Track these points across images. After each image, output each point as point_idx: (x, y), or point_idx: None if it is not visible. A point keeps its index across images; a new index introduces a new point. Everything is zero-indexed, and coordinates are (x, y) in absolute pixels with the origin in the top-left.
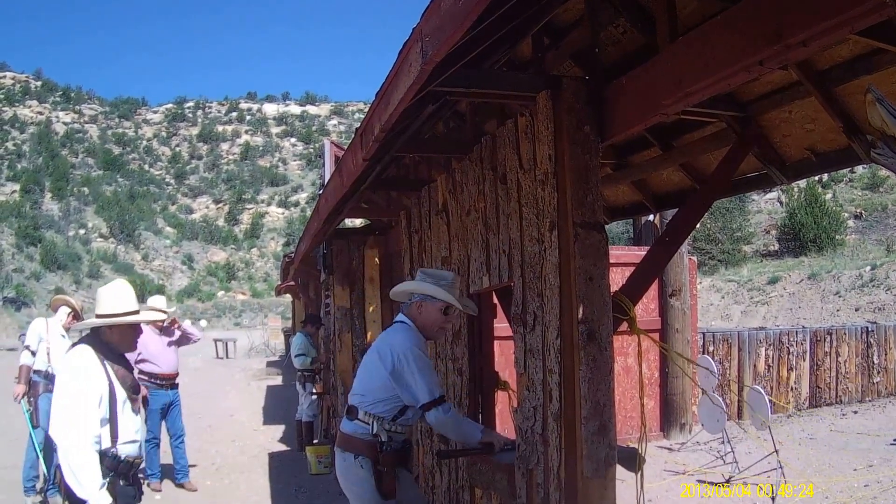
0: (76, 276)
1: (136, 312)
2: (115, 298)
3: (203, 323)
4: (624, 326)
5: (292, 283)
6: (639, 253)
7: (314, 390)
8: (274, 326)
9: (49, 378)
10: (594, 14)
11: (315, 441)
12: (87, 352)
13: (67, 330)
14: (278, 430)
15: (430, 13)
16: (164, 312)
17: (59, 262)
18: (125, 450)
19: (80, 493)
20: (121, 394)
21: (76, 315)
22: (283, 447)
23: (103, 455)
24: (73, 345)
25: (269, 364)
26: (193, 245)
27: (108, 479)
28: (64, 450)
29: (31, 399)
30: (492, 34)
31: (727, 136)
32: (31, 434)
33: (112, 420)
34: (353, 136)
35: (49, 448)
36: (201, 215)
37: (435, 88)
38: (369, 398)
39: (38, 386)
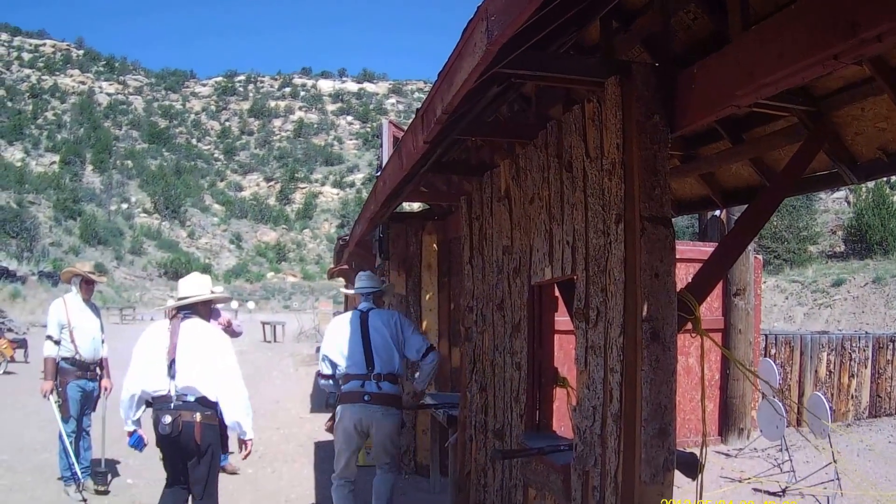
0: (118, 251)
1: (215, 294)
2: (200, 282)
3: (234, 304)
4: (686, 325)
5: (345, 266)
6: (704, 249)
7: None
8: (325, 311)
9: (77, 364)
10: None
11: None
12: (209, 324)
13: (87, 301)
14: (326, 418)
15: None
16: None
17: (99, 237)
18: None
19: (248, 427)
20: None
21: (89, 281)
22: (329, 437)
23: None
24: (182, 319)
25: (319, 350)
26: (242, 224)
27: None
28: (242, 398)
29: (60, 389)
30: (560, 15)
31: (798, 132)
32: (61, 428)
33: None
34: (412, 116)
35: (78, 438)
36: (251, 193)
37: (500, 70)
38: (397, 366)
39: (67, 374)
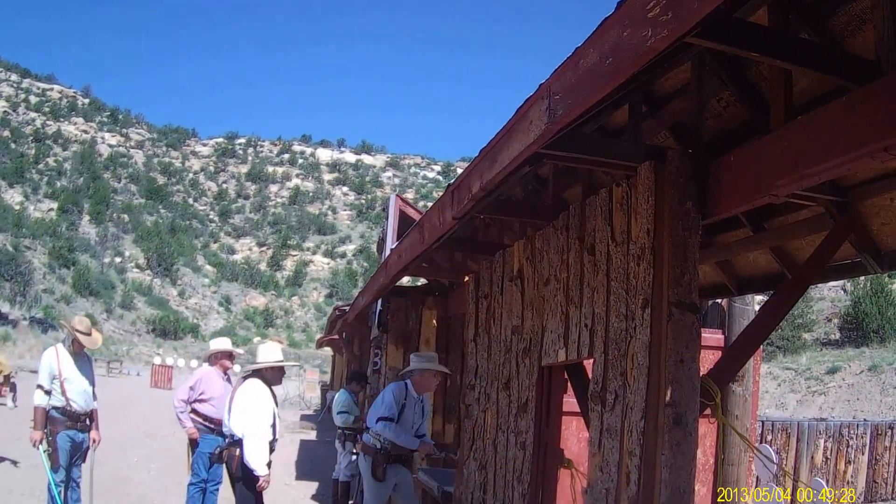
0: (108, 304)
1: (282, 361)
2: (272, 351)
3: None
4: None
5: (335, 336)
6: (712, 336)
7: (354, 450)
8: (311, 380)
9: (68, 414)
10: (701, 85)
11: (351, 502)
12: (261, 384)
13: (79, 353)
14: (311, 486)
15: (564, 70)
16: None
17: (91, 288)
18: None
19: (256, 466)
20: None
21: (80, 343)
22: None
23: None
24: (245, 378)
25: (304, 417)
26: (232, 287)
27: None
28: (253, 443)
29: (50, 438)
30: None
31: (824, 222)
32: (49, 478)
33: (273, 426)
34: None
35: (66, 489)
36: (243, 257)
37: (539, 150)
38: (368, 420)
39: (57, 423)
